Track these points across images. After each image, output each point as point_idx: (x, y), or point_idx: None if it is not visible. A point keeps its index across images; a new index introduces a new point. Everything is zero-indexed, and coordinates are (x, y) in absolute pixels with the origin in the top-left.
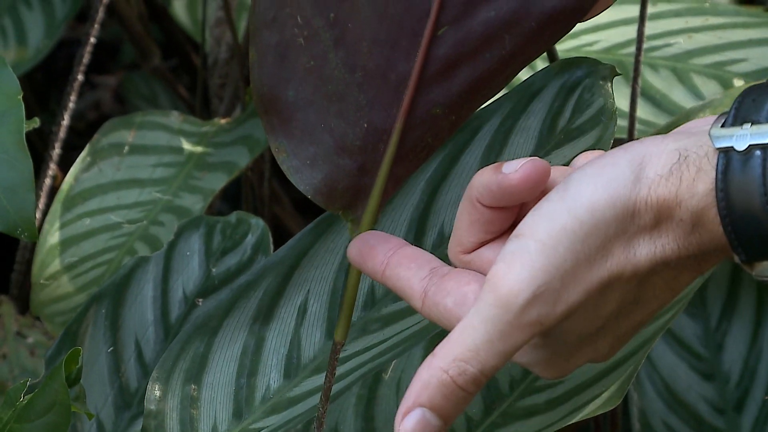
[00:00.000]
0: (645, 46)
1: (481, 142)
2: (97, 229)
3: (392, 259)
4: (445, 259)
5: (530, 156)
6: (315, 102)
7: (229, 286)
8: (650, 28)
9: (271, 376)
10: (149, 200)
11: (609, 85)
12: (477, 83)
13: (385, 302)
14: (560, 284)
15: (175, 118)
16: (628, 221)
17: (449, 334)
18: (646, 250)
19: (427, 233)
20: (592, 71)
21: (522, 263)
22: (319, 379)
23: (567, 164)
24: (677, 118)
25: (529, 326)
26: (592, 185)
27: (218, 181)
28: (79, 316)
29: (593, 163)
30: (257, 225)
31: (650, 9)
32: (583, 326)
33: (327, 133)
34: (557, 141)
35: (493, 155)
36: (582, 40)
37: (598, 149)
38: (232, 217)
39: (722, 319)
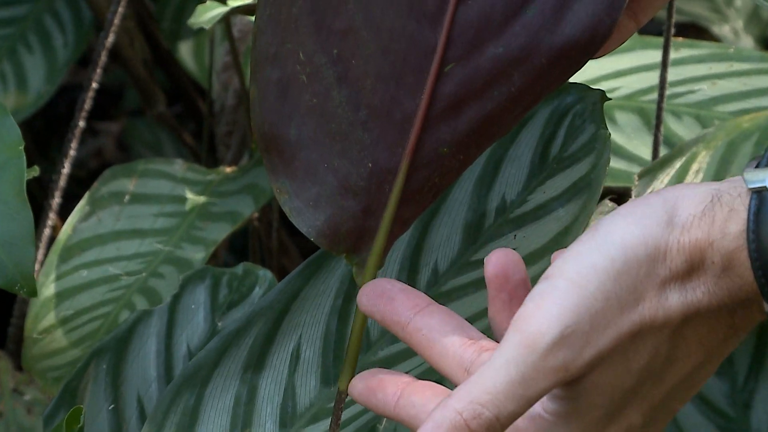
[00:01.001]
0: (668, 92)
1: (470, 175)
2: (95, 281)
3: (405, 390)
4: (439, 299)
5: (524, 186)
6: (318, 141)
7: (219, 334)
8: (673, 74)
9: (266, 426)
10: (150, 251)
11: (600, 110)
12: (485, 122)
13: (381, 344)
14: (589, 326)
15: (178, 167)
16: (660, 262)
17: (471, 376)
18: (677, 295)
19: (420, 272)
20: (582, 97)
21: (551, 302)
22: (317, 428)
23: (563, 194)
24: (673, 152)
25: (554, 371)
26: (623, 223)
27: (221, 232)
28: (79, 372)
29: (625, 205)
30: (265, 277)
31: (673, 54)
32: (612, 382)
33: (330, 173)
34: (550, 170)
35: (484, 188)
36: (602, 86)
37: (593, 178)
38: (239, 268)
39: (749, 377)
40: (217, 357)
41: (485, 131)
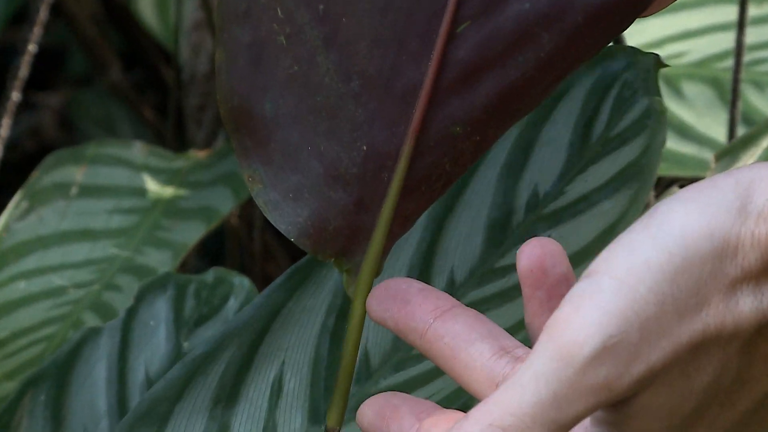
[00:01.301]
0: (746, 58)
1: (495, 162)
2: (36, 294)
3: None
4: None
5: (560, 174)
6: (299, 118)
7: (182, 359)
8: (753, 35)
9: None
10: (103, 257)
11: (654, 79)
12: (508, 94)
13: (384, 372)
14: (639, 336)
15: (138, 150)
16: (729, 259)
17: (492, 393)
18: (750, 299)
19: (433, 281)
20: (631, 63)
21: (592, 304)
22: None
23: (609, 183)
24: (755, 129)
25: (594, 390)
26: (685, 210)
27: (193, 233)
28: (11, 406)
29: (688, 188)
30: (241, 285)
31: (753, 11)
32: (668, 405)
33: (315, 157)
34: (593, 154)
35: (512, 177)
36: (666, 50)
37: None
38: (209, 275)
39: None
40: (180, 388)
41: (507, 106)
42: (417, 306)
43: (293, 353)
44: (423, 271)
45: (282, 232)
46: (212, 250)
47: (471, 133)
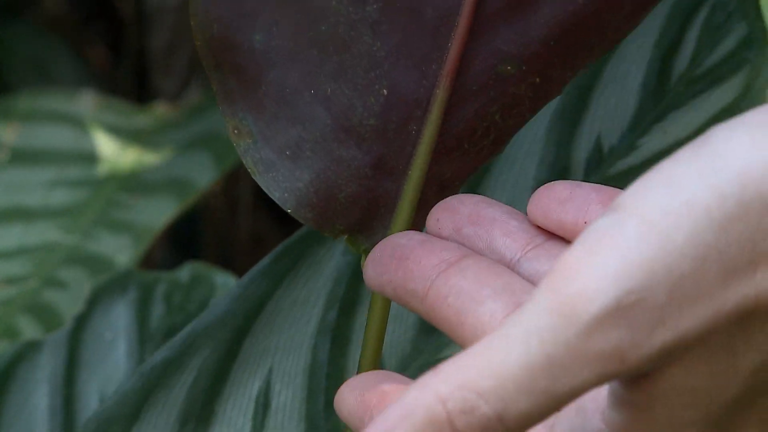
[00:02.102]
0: None
1: (544, 108)
2: None
3: None
4: None
5: (631, 124)
6: (299, 52)
7: (137, 370)
8: None
9: None
10: (41, 244)
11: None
12: (574, 23)
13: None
14: (667, 296)
15: (85, 103)
16: None
17: (471, 346)
18: None
19: None
20: None
21: (610, 250)
22: None
23: (695, 134)
24: None
25: (601, 359)
26: (749, 138)
27: (161, 213)
28: None
29: (754, 112)
30: (226, 285)
31: None
32: (705, 389)
33: (320, 104)
34: (673, 97)
35: (567, 129)
36: None
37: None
38: (184, 272)
39: None
40: (136, 406)
41: (575, 39)
42: (416, 262)
43: (283, 358)
44: None
45: (276, 201)
46: (185, 237)
47: (527, 73)
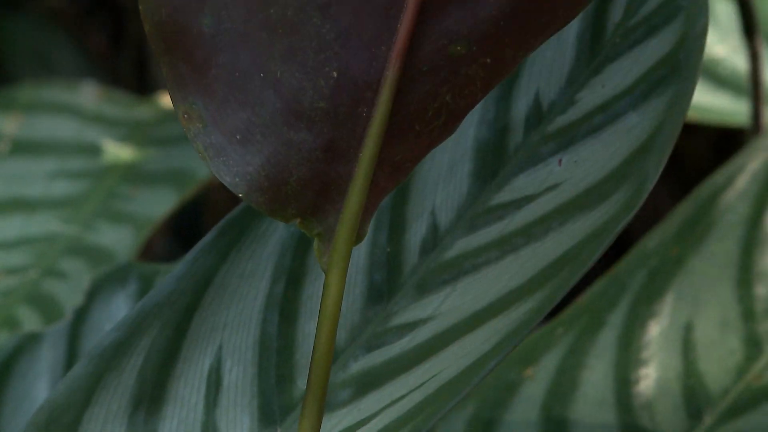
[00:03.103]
0: None
1: None
2: None
3: None
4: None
5: (569, 78)
6: (249, 35)
7: (86, 355)
8: None
9: None
10: (42, 235)
11: None
12: (528, 1)
13: (353, 352)
14: None
15: (87, 95)
16: None
17: None
18: None
19: (409, 230)
20: None
21: None
22: None
23: (633, 87)
24: None
25: None
26: None
27: (161, 204)
28: None
29: None
30: None
31: None
32: None
33: (270, 87)
34: (610, 50)
35: (504, 84)
36: None
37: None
38: None
39: None
40: (87, 391)
41: (528, 16)
42: None
43: (232, 334)
44: (395, 216)
45: (227, 186)
46: (186, 228)
47: (478, 53)
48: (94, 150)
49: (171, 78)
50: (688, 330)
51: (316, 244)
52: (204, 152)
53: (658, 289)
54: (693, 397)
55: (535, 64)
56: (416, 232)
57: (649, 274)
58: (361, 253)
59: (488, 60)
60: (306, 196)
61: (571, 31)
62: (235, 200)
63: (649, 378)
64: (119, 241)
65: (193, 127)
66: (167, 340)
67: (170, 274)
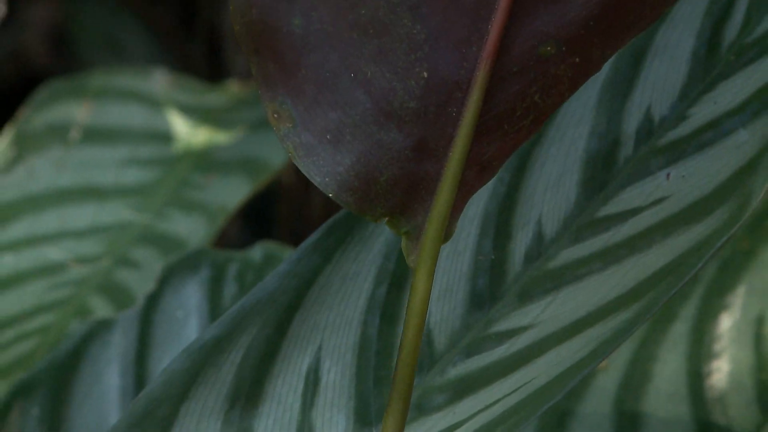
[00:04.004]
0: None
1: (594, 78)
2: (26, 272)
3: None
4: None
5: (681, 94)
6: (339, 36)
7: (185, 349)
8: None
9: None
10: (114, 223)
11: None
12: (617, 2)
13: (452, 358)
14: None
15: (159, 81)
16: None
17: None
18: None
19: (514, 237)
20: None
21: None
22: None
23: (745, 105)
24: None
25: None
26: None
27: (235, 193)
28: None
29: None
30: None
31: None
32: None
33: (360, 87)
34: (725, 65)
35: (618, 98)
36: None
37: None
38: (256, 251)
39: None
40: (185, 385)
41: (616, 17)
42: None
43: (333, 335)
44: (501, 223)
45: (317, 185)
46: (259, 216)
47: (567, 53)
48: (165, 137)
49: (260, 77)
50: (759, 323)
51: (403, 242)
52: (294, 152)
53: (730, 282)
54: (766, 391)
55: (649, 78)
56: (522, 241)
57: (720, 267)
58: (465, 259)
59: (576, 59)
60: (395, 195)
61: (686, 48)
62: (307, 189)
63: (721, 371)
64: (192, 229)
65: (282, 127)
66: (267, 338)
67: (273, 273)
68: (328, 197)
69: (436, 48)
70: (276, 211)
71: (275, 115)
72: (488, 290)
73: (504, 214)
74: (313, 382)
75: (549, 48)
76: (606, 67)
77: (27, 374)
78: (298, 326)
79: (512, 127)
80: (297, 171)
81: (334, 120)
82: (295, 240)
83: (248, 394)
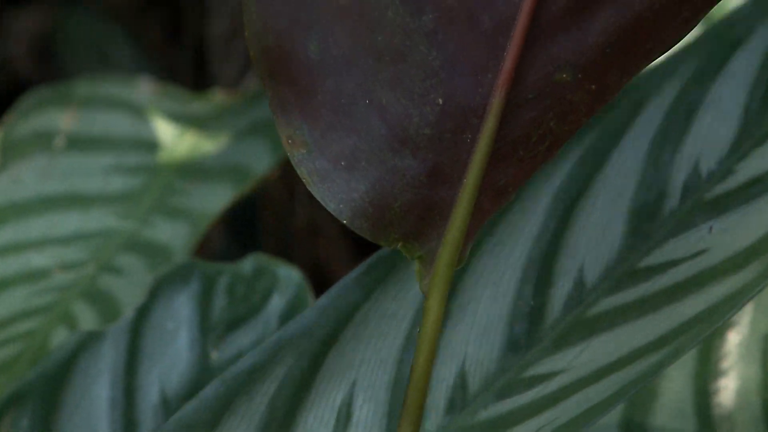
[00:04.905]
0: None
1: (646, 128)
2: (10, 278)
3: None
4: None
5: (731, 149)
6: (355, 62)
7: (220, 377)
8: None
9: None
10: (99, 230)
11: None
12: (632, 28)
13: (484, 400)
14: None
15: (144, 90)
16: None
17: None
18: None
19: (555, 284)
20: None
21: None
22: None
23: None
24: None
25: None
26: None
27: (218, 200)
28: None
29: None
30: (288, 279)
31: None
32: None
33: (375, 114)
34: None
35: (667, 150)
36: None
37: None
38: (247, 264)
39: None
40: (217, 413)
41: (633, 45)
42: None
43: (368, 371)
44: (543, 270)
45: (332, 212)
46: (243, 224)
47: (584, 80)
48: (150, 145)
49: (275, 102)
50: (767, 341)
51: (417, 266)
52: (308, 177)
53: None
54: None
55: (700, 131)
56: (562, 288)
57: None
58: (504, 303)
59: (593, 86)
60: (409, 220)
61: (739, 102)
62: (291, 198)
63: (728, 389)
64: (176, 236)
65: (297, 153)
66: (302, 370)
67: (311, 307)
68: (313, 207)
69: (451, 74)
70: (261, 221)
71: (290, 141)
72: (525, 335)
73: (547, 260)
74: (345, 417)
75: (565, 75)
76: (658, 119)
77: (17, 385)
78: (333, 361)
79: (527, 153)
80: (282, 181)
81: (349, 146)
82: (279, 249)
83: (280, 425)
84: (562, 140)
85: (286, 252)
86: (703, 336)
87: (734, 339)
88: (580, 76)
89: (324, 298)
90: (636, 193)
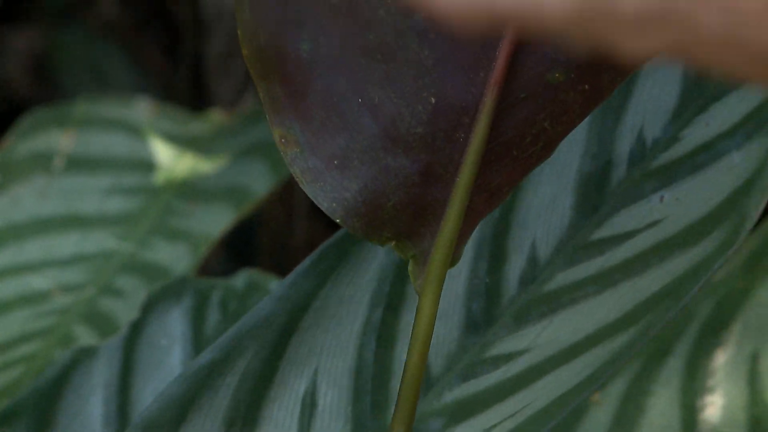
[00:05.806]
0: None
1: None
2: (10, 301)
3: None
4: (540, 304)
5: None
6: (346, 61)
7: (181, 374)
8: None
9: None
10: (98, 252)
11: None
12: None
13: (448, 381)
14: None
15: (142, 110)
16: None
17: None
18: None
19: (508, 260)
20: None
21: None
22: None
23: (737, 126)
24: None
25: None
26: None
27: (218, 221)
28: None
29: None
30: None
31: None
32: None
33: (367, 113)
34: (716, 89)
35: (609, 119)
36: None
37: None
38: (239, 279)
39: None
40: (181, 409)
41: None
42: None
43: (329, 358)
44: (495, 247)
45: (324, 210)
46: (241, 243)
47: (576, 80)
48: (148, 166)
49: (268, 102)
50: (754, 360)
51: (410, 266)
52: (301, 176)
53: (725, 319)
54: (758, 426)
55: (642, 99)
56: (516, 264)
57: (716, 304)
58: (459, 282)
59: (586, 86)
60: (402, 219)
61: (678, 69)
62: (289, 218)
63: (714, 406)
64: (175, 258)
65: (290, 152)
66: (263, 362)
67: (267, 297)
68: (311, 226)
69: (443, 73)
70: (258, 241)
71: (282, 140)
72: (483, 313)
73: (498, 236)
74: (310, 405)
75: (557, 75)
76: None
77: (11, 402)
78: (294, 350)
79: (521, 153)
80: (280, 200)
81: (341, 145)
82: (276, 268)
83: (245, 418)
84: (557, 141)
85: (282, 271)
86: (671, 313)
87: (721, 358)
88: (572, 75)
89: (280, 288)
90: (581, 164)
